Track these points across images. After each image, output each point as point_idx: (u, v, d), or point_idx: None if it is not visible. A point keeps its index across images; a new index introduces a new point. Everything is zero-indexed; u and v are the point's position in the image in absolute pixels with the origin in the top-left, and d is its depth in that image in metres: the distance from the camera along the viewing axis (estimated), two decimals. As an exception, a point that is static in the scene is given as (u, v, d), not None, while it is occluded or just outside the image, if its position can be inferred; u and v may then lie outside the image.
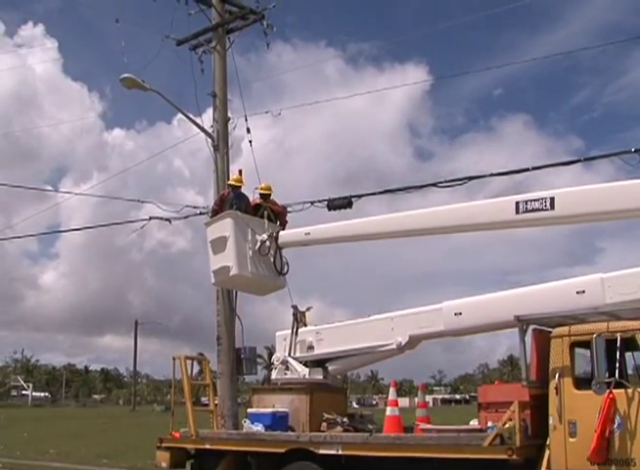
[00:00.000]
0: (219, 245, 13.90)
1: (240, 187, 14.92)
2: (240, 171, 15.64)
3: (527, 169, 14.27)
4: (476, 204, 12.00)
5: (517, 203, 11.05)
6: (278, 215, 14.76)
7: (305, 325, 13.70)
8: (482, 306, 11.26)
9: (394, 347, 12.09)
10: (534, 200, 10.87)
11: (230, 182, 15.12)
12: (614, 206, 10.36)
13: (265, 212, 14.42)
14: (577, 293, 10.19)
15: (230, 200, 14.45)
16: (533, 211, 10.86)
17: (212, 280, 14.45)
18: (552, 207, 10.70)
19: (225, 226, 13.89)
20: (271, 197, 14.86)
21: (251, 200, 14.87)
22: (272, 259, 14.13)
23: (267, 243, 14.01)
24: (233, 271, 13.66)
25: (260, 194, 14.80)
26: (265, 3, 17.35)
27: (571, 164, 14.29)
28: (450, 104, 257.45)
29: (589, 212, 10.67)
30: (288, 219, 15.15)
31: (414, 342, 12.15)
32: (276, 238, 14.19)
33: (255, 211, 14.49)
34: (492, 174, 14.75)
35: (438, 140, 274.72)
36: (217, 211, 14.53)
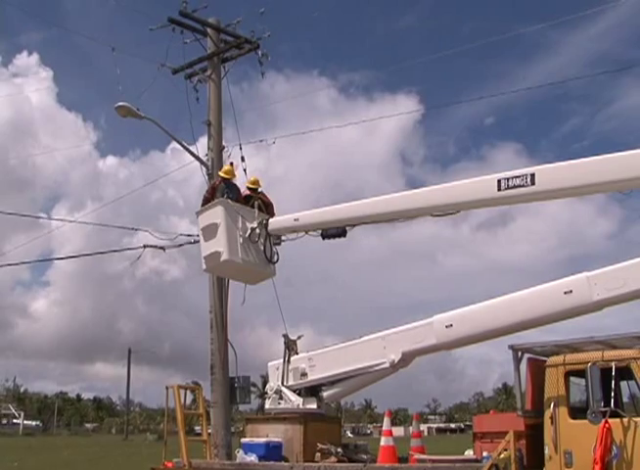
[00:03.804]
0: (210, 232, 14.09)
1: (231, 178, 15.12)
2: (231, 163, 15.88)
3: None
4: (459, 183, 12.07)
5: (499, 180, 11.18)
6: (267, 207, 14.93)
7: (297, 353, 13.66)
8: (473, 316, 11.25)
9: (388, 365, 12.03)
10: (515, 177, 11.02)
11: (221, 173, 15.31)
12: (592, 179, 10.46)
13: (256, 203, 14.62)
14: (565, 293, 10.23)
15: (221, 189, 14.67)
16: (515, 187, 10.99)
17: (203, 266, 14.59)
18: (532, 182, 10.83)
19: (216, 214, 14.08)
20: (259, 190, 15.08)
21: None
22: (262, 248, 14.26)
23: (257, 230, 14.17)
24: (224, 257, 13.80)
25: (248, 188, 15.04)
26: (260, 33, 17.57)
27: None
28: (442, 133, 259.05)
29: (569, 187, 10.77)
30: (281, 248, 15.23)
31: (407, 359, 12.09)
32: (266, 225, 14.35)
33: (246, 201, 14.71)
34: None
35: (430, 169, 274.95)
36: (209, 199, 14.70)
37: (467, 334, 11.34)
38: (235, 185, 15.10)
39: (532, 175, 10.85)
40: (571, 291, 10.20)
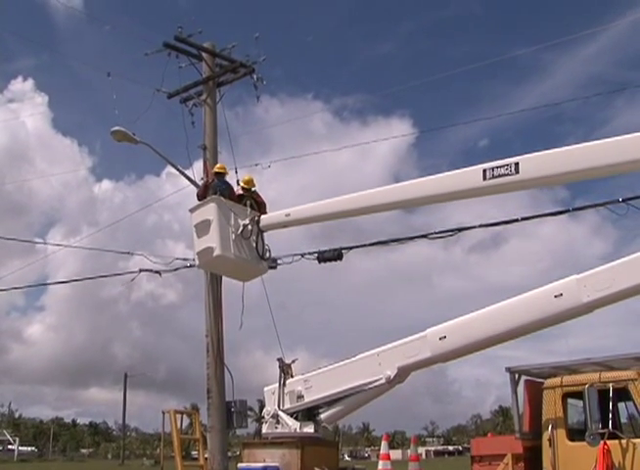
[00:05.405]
0: (203, 228, 14.26)
1: (224, 174, 15.37)
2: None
3: (517, 220, 14.35)
4: (445, 175, 12.15)
5: (484, 170, 11.27)
6: (260, 206, 15.09)
7: (292, 376, 13.60)
8: (466, 326, 11.23)
9: (384, 381, 11.98)
10: (500, 166, 11.12)
11: (215, 169, 15.53)
12: (575, 166, 10.54)
13: (248, 202, 14.83)
14: (555, 297, 10.23)
15: (214, 186, 14.90)
16: (500, 176, 11.09)
17: (197, 262, 14.78)
18: (517, 171, 10.92)
19: (209, 210, 14.27)
20: (253, 190, 15.24)
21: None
22: (254, 244, 14.40)
23: (249, 227, 14.32)
24: (216, 252, 13.93)
25: (242, 187, 15.22)
26: (255, 57, 17.65)
27: (559, 215, 14.37)
28: (436, 155, 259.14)
29: (552, 174, 10.84)
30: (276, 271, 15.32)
31: (403, 374, 12.05)
32: (258, 222, 14.54)
33: (239, 200, 14.88)
34: (482, 225, 14.81)
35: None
36: (202, 197, 14.89)
37: (461, 344, 11.32)
38: (228, 183, 15.36)
39: (517, 164, 10.96)
40: (561, 294, 10.23)
